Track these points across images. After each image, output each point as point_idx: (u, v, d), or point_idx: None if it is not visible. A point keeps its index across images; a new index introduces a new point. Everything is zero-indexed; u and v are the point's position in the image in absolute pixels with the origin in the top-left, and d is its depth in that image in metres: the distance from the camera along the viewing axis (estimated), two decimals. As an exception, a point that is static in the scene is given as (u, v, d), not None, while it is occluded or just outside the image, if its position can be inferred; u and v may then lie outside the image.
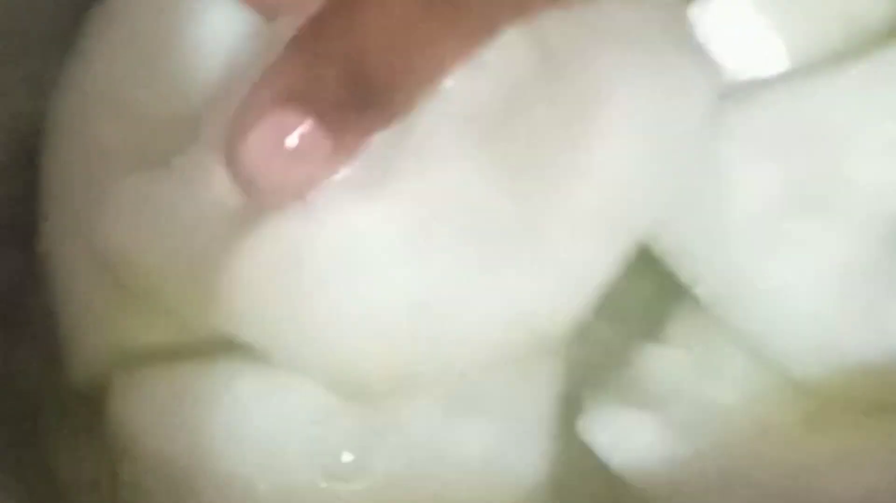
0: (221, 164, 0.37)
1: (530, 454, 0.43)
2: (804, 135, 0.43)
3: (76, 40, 0.47)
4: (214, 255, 0.40)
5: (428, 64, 0.35)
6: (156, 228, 0.42)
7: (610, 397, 0.44)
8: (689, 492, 0.42)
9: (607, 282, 0.40)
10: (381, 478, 0.42)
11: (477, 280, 0.39)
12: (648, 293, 0.46)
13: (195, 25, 0.44)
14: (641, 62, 0.40)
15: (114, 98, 0.45)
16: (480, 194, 0.38)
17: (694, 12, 0.44)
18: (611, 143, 0.39)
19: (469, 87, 0.38)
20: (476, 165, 0.38)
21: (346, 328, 0.38)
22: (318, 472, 0.41)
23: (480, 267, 0.38)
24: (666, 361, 0.45)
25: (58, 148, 0.46)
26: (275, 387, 0.41)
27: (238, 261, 0.38)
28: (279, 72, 0.35)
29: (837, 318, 0.43)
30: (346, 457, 0.41)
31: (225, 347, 0.43)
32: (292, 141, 0.34)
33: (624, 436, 0.43)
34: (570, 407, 0.44)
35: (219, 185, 0.40)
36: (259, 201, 0.36)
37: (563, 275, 0.40)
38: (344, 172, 0.36)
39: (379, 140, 0.37)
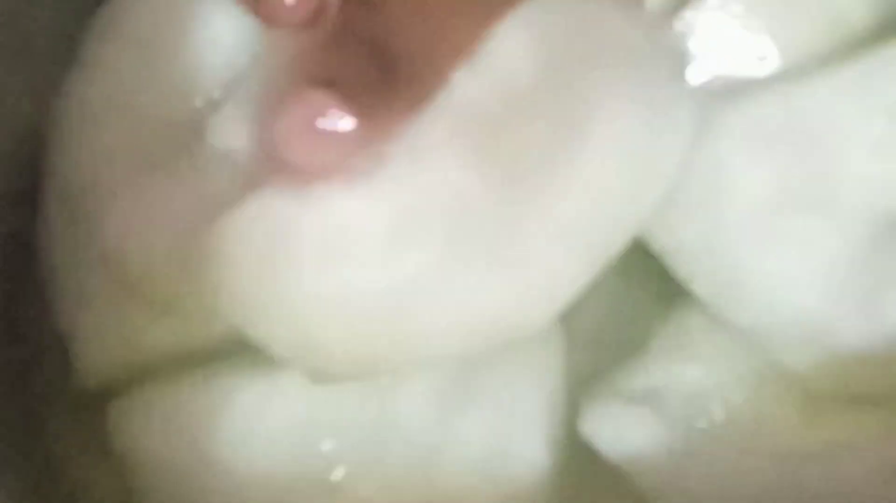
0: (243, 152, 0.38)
1: (531, 449, 0.43)
2: (798, 133, 0.44)
3: (79, 44, 0.47)
4: (214, 255, 0.40)
5: (451, 42, 0.36)
6: (158, 231, 0.42)
7: (609, 393, 0.45)
8: (688, 486, 0.43)
9: (576, 292, 0.41)
10: (385, 478, 0.42)
11: (451, 276, 0.39)
12: (647, 290, 0.46)
13: (197, 29, 0.44)
14: (632, 78, 0.41)
15: (116, 101, 0.45)
16: (466, 194, 0.38)
17: (687, 14, 0.45)
18: (597, 159, 0.40)
19: (467, 88, 0.38)
20: (465, 165, 0.38)
21: (318, 309, 0.39)
22: (322, 476, 0.42)
23: (456, 264, 0.39)
24: (663, 359, 0.45)
25: (60, 151, 0.46)
26: (279, 395, 0.42)
27: (221, 236, 0.39)
28: (309, 56, 0.36)
29: (832, 313, 0.43)
30: (350, 459, 0.42)
31: (229, 347, 0.43)
32: (323, 122, 0.35)
33: (623, 431, 0.43)
34: (571, 403, 0.45)
35: (221, 186, 0.40)
36: (292, 183, 0.37)
37: (535, 281, 0.40)
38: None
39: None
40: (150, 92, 0.45)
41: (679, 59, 0.43)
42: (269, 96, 0.37)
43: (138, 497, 0.43)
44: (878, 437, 0.42)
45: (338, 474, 0.42)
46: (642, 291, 0.46)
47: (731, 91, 0.45)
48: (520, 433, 0.43)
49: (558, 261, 0.40)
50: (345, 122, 0.35)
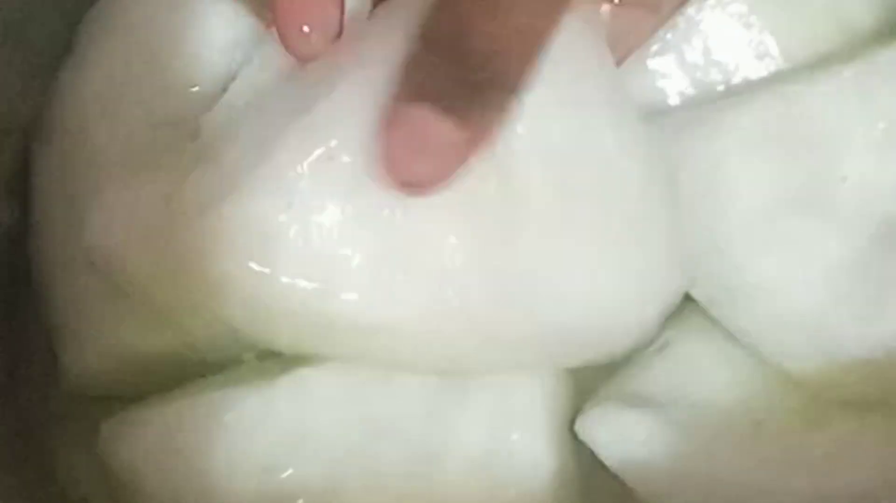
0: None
1: (532, 448, 0.43)
2: (798, 135, 0.43)
3: (72, 43, 0.47)
4: (201, 257, 0.40)
5: (529, 34, 0.36)
6: (146, 230, 0.41)
7: (608, 396, 0.44)
8: (686, 490, 0.43)
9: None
10: (384, 478, 0.42)
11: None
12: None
13: (190, 29, 0.44)
14: (618, 212, 0.40)
15: (108, 100, 0.45)
16: (455, 269, 0.38)
17: (688, 12, 0.45)
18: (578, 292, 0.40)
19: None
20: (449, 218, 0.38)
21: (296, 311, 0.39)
22: (322, 478, 0.41)
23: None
24: (663, 361, 0.45)
25: (53, 150, 0.46)
26: (272, 410, 0.41)
27: (203, 230, 0.39)
28: (404, 72, 0.37)
29: (831, 316, 0.43)
30: (349, 460, 0.42)
31: (219, 350, 0.43)
32: (425, 136, 0.35)
33: (621, 434, 0.43)
34: (572, 407, 0.44)
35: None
36: (410, 194, 0.37)
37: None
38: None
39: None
40: (142, 90, 0.44)
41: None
42: (381, 119, 0.37)
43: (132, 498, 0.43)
44: (878, 445, 0.42)
45: (335, 485, 0.41)
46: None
47: (731, 91, 0.45)
48: (520, 433, 0.43)
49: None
50: (446, 133, 0.35)
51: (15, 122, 0.46)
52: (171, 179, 0.41)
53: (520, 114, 0.37)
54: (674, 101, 0.46)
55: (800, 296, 0.43)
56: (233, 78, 0.43)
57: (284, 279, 0.37)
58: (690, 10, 0.45)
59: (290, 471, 0.41)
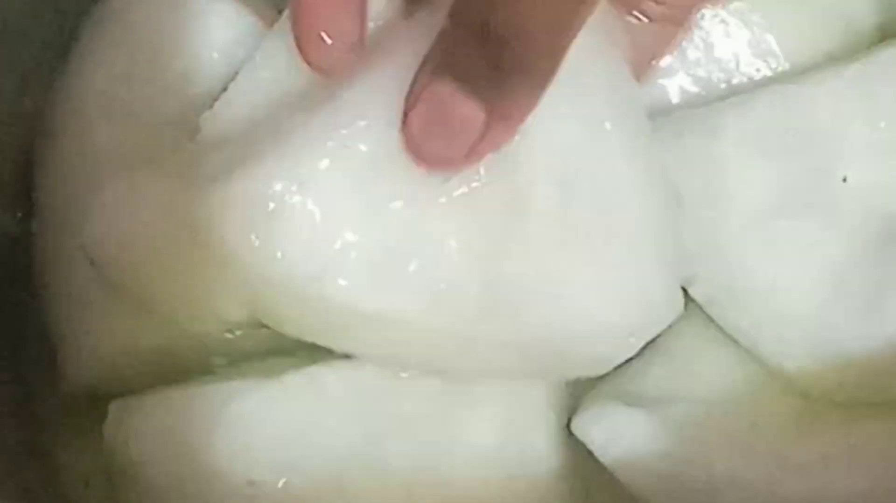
0: None
1: (543, 440, 0.44)
2: (798, 136, 0.43)
3: (72, 43, 0.47)
4: (200, 256, 0.40)
5: (559, 22, 0.36)
6: (142, 229, 0.42)
7: (605, 395, 0.44)
8: (681, 489, 0.43)
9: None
10: (392, 478, 0.42)
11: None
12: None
13: (190, 28, 0.44)
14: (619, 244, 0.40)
15: (109, 99, 0.45)
16: (453, 275, 0.38)
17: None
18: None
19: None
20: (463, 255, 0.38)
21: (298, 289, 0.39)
22: (328, 478, 0.41)
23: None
24: (660, 361, 0.45)
25: (53, 149, 0.46)
26: (273, 401, 0.41)
27: (211, 200, 0.39)
28: (434, 50, 0.36)
29: (831, 316, 0.43)
30: (355, 459, 0.42)
31: (215, 348, 0.43)
32: (446, 110, 0.36)
33: (618, 433, 0.43)
34: (571, 406, 0.45)
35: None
36: (434, 171, 0.37)
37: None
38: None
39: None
40: (142, 90, 0.45)
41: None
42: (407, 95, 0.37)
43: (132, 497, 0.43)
44: (874, 448, 0.42)
45: (340, 481, 0.42)
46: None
47: (732, 90, 0.45)
48: (531, 425, 0.44)
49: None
50: (468, 111, 0.35)
51: (16, 122, 0.46)
52: (171, 179, 0.41)
53: (533, 119, 0.37)
54: (675, 99, 0.46)
55: (799, 297, 0.43)
56: (233, 78, 0.43)
57: (286, 257, 0.38)
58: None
59: (293, 467, 0.41)
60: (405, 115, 0.37)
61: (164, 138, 0.44)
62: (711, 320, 0.45)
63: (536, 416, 0.44)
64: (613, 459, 0.43)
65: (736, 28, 0.45)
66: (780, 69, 0.45)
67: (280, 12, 0.41)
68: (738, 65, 0.45)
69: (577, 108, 0.38)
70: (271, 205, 0.37)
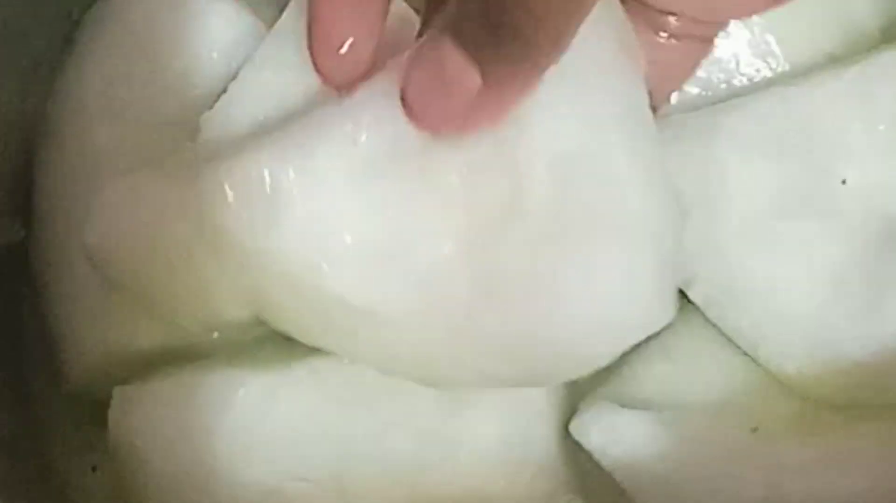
0: None
1: (546, 434, 0.44)
2: (798, 137, 0.43)
3: (72, 43, 0.47)
4: (200, 255, 0.40)
5: (561, 6, 0.36)
6: (142, 229, 0.42)
7: (603, 397, 0.45)
8: (679, 492, 0.43)
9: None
10: (394, 471, 0.42)
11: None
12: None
13: (190, 28, 0.44)
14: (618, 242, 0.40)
15: (109, 99, 0.45)
16: (444, 273, 0.38)
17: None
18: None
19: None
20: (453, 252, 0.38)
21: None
22: (330, 469, 0.42)
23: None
24: (659, 363, 0.45)
25: (53, 149, 0.46)
26: (278, 390, 0.42)
27: (211, 186, 0.39)
28: (439, 16, 0.36)
29: (830, 318, 0.43)
30: (357, 451, 0.42)
31: (215, 347, 0.44)
32: (443, 68, 0.36)
33: (617, 435, 0.43)
34: (569, 407, 0.45)
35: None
36: (429, 129, 0.37)
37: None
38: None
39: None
40: (141, 90, 0.45)
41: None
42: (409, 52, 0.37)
43: (133, 495, 0.43)
44: (874, 450, 0.42)
45: (342, 473, 0.42)
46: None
47: (732, 91, 0.45)
48: (532, 420, 0.44)
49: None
50: (464, 73, 0.35)
51: (16, 122, 0.46)
52: (171, 179, 0.41)
53: (534, 118, 0.37)
54: (674, 100, 0.45)
55: (799, 298, 0.43)
56: (233, 78, 0.43)
57: (281, 244, 0.38)
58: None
59: (295, 457, 0.41)
60: (405, 71, 0.37)
61: (164, 138, 0.44)
62: (711, 322, 0.44)
63: (538, 412, 0.44)
64: (612, 461, 0.43)
65: (736, 28, 0.45)
66: (780, 70, 0.45)
67: (280, 11, 0.42)
68: (738, 65, 0.45)
69: (577, 108, 0.38)
70: (270, 190, 0.37)
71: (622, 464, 0.43)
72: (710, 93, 0.45)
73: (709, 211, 0.44)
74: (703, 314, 0.44)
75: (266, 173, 0.37)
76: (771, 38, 0.45)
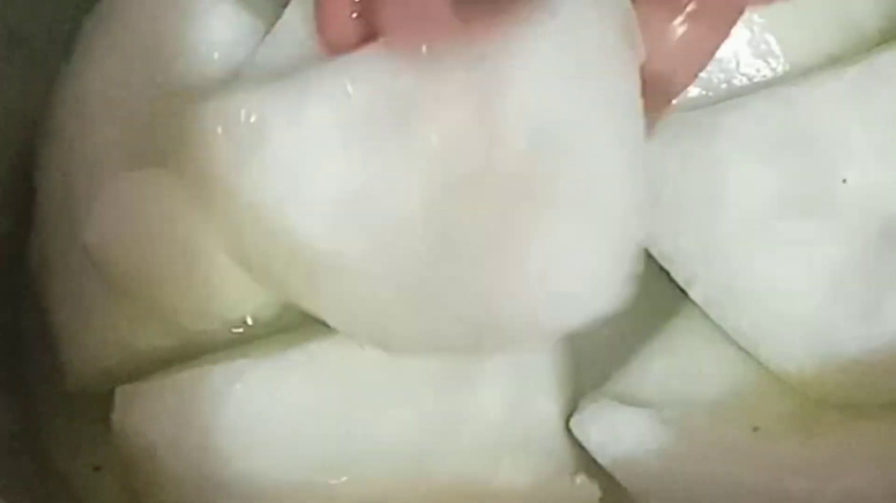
0: None
1: (549, 408, 0.44)
2: (798, 138, 0.43)
3: (72, 43, 0.47)
4: (201, 255, 0.41)
5: None
6: (143, 229, 0.42)
7: (604, 395, 0.45)
8: (678, 490, 0.43)
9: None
10: (396, 453, 0.42)
11: None
12: (645, 295, 0.46)
13: (190, 28, 0.44)
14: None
15: (109, 100, 0.45)
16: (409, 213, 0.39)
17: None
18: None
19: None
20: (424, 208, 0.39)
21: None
22: (333, 453, 0.42)
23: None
24: (659, 362, 0.45)
25: (53, 149, 0.46)
26: (276, 380, 0.42)
27: (200, 121, 0.40)
28: None
29: (830, 318, 0.43)
30: (362, 437, 0.42)
31: (216, 346, 0.44)
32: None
33: (616, 433, 0.43)
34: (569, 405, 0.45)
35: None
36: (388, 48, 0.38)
37: None
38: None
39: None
40: (142, 90, 0.44)
41: None
42: None
43: (141, 494, 0.43)
44: (874, 449, 0.42)
45: (347, 455, 0.42)
46: (640, 295, 0.46)
47: (732, 91, 0.45)
48: (536, 394, 0.44)
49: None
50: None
51: (16, 122, 0.46)
52: (171, 179, 0.42)
53: (522, 86, 0.38)
54: (675, 100, 0.45)
55: (799, 298, 0.43)
56: (233, 78, 0.43)
57: (259, 179, 0.39)
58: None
59: (298, 443, 0.41)
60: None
61: (165, 137, 0.43)
62: (711, 321, 0.44)
63: (541, 392, 0.44)
64: (611, 459, 0.43)
65: (736, 28, 0.45)
66: (780, 70, 0.45)
67: (280, 11, 0.42)
68: (738, 65, 0.45)
69: (567, 83, 0.38)
70: (256, 128, 0.39)
71: (621, 462, 0.43)
72: (710, 93, 0.45)
73: (709, 211, 0.44)
74: (703, 313, 0.44)
75: (255, 112, 0.39)
76: (771, 38, 0.45)
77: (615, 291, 0.39)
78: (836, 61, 0.44)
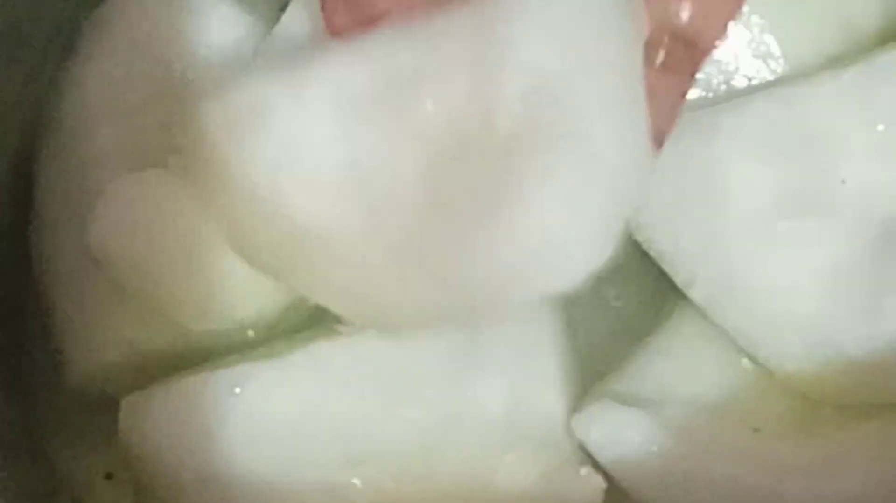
0: None
1: (551, 402, 0.44)
2: (798, 137, 0.43)
3: (73, 43, 0.47)
4: (204, 255, 0.41)
5: None
6: (146, 228, 0.42)
7: (603, 395, 0.45)
8: (678, 491, 0.43)
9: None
10: (401, 446, 0.42)
11: None
12: (644, 295, 0.46)
13: (190, 28, 0.44)
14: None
15: (109, 100, 0.45)
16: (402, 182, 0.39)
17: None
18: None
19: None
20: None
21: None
22: (339, 450, 0.42)
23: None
24: (659, 362, 0.45)
25: (54, 149, 0.46)
26: (280, 380, 0.42)
27: (198, 116, 0.40)
28: None
29: (830, 318, 0.43)
30: (368, 438, 0.42)
31: (219, 347, 0.44)
32: None
33: (616, 433, 0.43)
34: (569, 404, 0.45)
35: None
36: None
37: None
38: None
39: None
40: (142, 90, 0.45)
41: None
42: None
43: (141, 498, 0.43)
44: (874, 450, 0.42)
45: (353, 453, 0.42)
46: (640, 295, 0.46)
47: (732, 92, 0.45)
48: (541, 388, 0.44)
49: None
50: None
51: (16, 122, 0.46)
52: (172, 178, 0.42)
53: (520, 50, 0.38)
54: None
55: (798, 298, 0.43)
56: (232, 78, 0.43)
57: (259, 158, 0.38)
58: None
59: (305, 444, 0.41)
60: None
61: (166, 139, 0.44)
62: (711, 322, 0.44)
63: (546, 384, 0.44)
64: (611, 459, 0.43)
65: (736, 29, 0.45)
66: (779, 71, 0.45)
67: (281, 12, 0.42)
68: (738, 66, 0.45)
69: (566, 47, 0.38)
70: (257, 106, 0.39)
71: (621, 463, 0.43)
72: (710, 93, 0.45)
73: (709, 211, 0.44)
74: (703, 313, 0.44)
75: (256, 96, 0.39)
76: (771, 39, 0.45)
77: (605, 248, 0.38)
78: (836, 61, 0.44)
